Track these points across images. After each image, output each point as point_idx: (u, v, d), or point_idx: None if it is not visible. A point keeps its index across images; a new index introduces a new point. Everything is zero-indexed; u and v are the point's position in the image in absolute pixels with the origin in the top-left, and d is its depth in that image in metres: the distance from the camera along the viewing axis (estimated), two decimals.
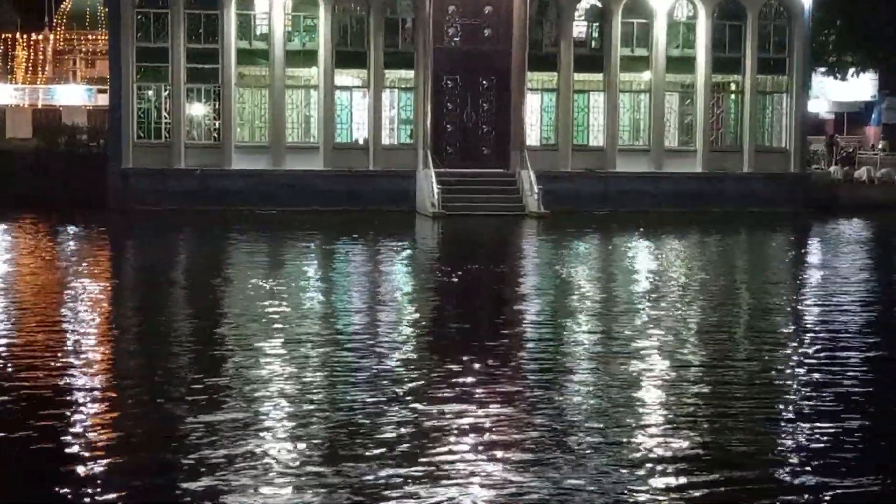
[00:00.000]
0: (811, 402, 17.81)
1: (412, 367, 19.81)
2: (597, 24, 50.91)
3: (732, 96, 51.99)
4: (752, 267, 35.31)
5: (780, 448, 15.70)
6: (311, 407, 17.11)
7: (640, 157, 50.69)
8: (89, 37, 69.44)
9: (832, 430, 16.28)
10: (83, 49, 69.50)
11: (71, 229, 41.38)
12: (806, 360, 20.70)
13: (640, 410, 17.40)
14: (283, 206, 46.83)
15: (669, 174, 50.24)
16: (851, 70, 66.18)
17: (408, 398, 17.59)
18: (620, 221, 45.21)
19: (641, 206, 48.66)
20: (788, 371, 20.04)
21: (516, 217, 46.27)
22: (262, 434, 15.67)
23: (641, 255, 36.56)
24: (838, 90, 66.35)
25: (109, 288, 28.64)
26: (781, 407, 17.61)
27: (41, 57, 69.85)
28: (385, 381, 18.58)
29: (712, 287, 29.33)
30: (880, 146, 60.31)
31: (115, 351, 21.40)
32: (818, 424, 16.57)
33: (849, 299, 27.25)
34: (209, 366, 19.52)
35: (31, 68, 69.80)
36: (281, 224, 42.76)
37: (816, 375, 19.51)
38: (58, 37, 71.15)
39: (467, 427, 16.10)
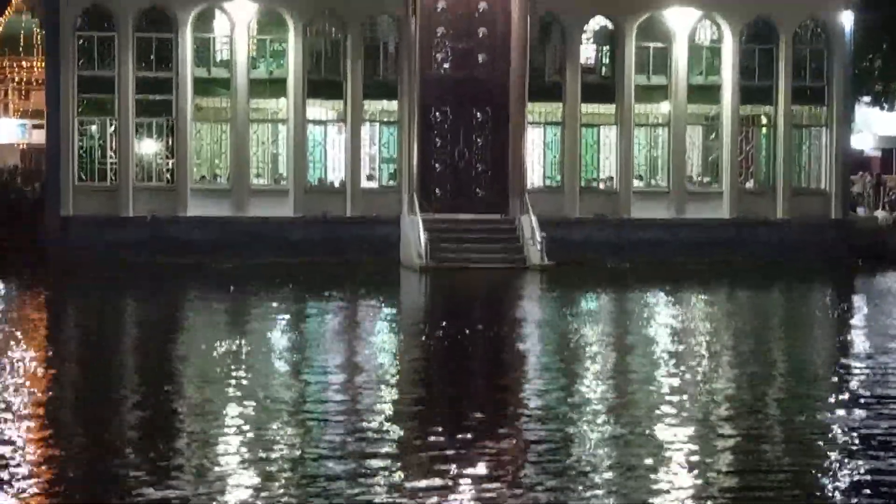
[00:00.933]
0: None
1: (386, 448, 19.07)
2: (607, 47, 50.89)
3: (763, 130, 51.81)
4: (790, 329, 34.40)
5: None
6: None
7: (658, 201, 50.52)
8: (23, 64, 68.28)
9: None
10: (16, 78, 68.48)
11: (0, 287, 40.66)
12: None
13: None
14: (247, 258, 46.55)
15: (692, 220, 50.04)
16: None
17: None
18: (636, 275, 45.17)
19: (660, 256, 48.32)
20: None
21: (516, 270, 45.99)
22: None
23: (661, 315, 35.92)
24: (885, 123, 65.49)
25: (42, 357, 27.76)
26: None
27: None
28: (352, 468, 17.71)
29: (744, 356, 28.29)
30: None
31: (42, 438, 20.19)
32: None
33: None
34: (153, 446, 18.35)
35: None
36: (244, 279, 42.50)
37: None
38: None
39: None
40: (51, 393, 23.76)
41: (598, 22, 50.57)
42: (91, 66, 48.16)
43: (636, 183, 50.65)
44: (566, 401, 23.12)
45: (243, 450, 19.20)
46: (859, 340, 31.83)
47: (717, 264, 47.56)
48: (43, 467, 18.34)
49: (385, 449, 19.48)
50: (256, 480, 17.50)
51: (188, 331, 32.92)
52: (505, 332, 32.55)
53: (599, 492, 17.19)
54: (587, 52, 50.70)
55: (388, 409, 22.83)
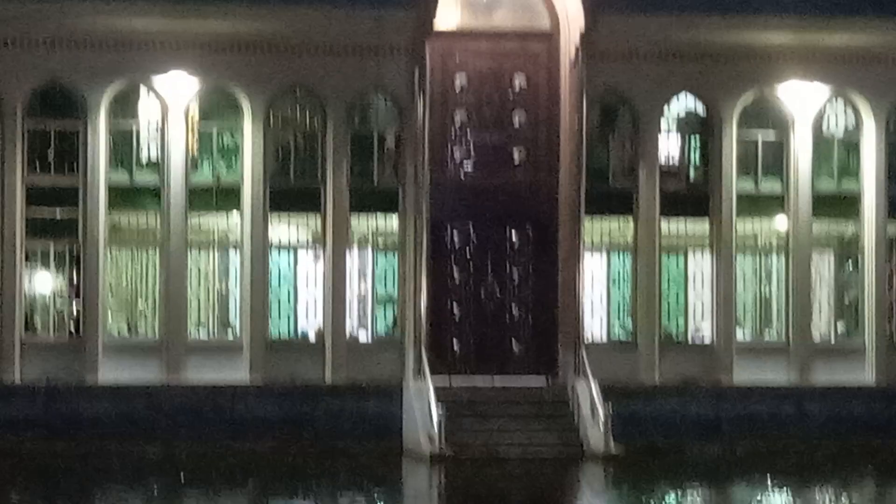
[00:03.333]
0: None
1: None
2: (698, 139, 50.63)
3: None
4: None
5: None
6: None
7: (773, 360, 50.07)
8: None
9: None
10: None
11: None
12: None
13: None
14: (183, 442, 46.24)
15: (822, 387, 49.60)
16: None
17: None
18: (743, 465, 45.09)
19: (778, 438, 47.95)
20: None
21: (570, 460, 45.36)
22: None
23: None
24: None
25: None
26: None
27: None
28: None
29: None
30: None
31: None
32: None
33: None
34: None
35: None
36: (177, 472, 42.37)
37: None
38: None
39: None
40: None
41: (684, 104, 50.88)
42: None
43: (740, 334, 50.23)
44: None
45: None
46: None
47: (860, 450, 47.45)
48: None
49: None
50: None
51: None
52: None
53: None
54: (669, 146, 50.63)
55: None
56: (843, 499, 39.18)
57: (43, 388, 47.01)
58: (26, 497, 38.87)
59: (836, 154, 50.84)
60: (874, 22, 49.99)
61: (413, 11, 48.19)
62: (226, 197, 48.94)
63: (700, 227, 50.16)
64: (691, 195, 50.35)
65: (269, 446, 46.21)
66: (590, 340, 48.55)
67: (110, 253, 48.65)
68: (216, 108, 49.07)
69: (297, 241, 49.55)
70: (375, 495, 39.43)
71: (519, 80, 49.56)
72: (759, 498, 39.11)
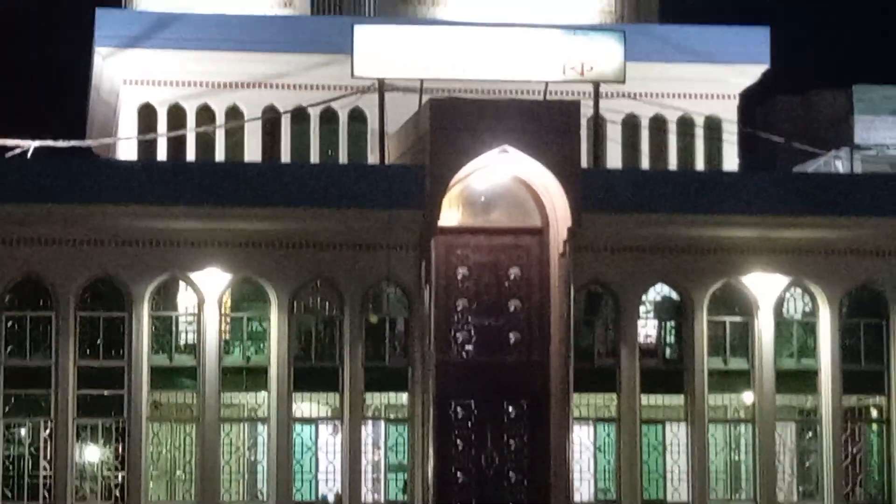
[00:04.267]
0: None
1: None
2: (673, 323, 52.09)
3: (874, 427, 52.38)
4: None
5: None
6: None
7: None
8: None
9: None
10: None
11: None
12: None
13: None
14: None
15: None
16: None
17: None
18: None
19: None
20: None
21: None
22: None
23: None
24: None
25: None
26: None
27: None
28: None
29: None
30: None
31: None
32: None
33: None
34: None
35: None
36: None
37: None
38: None
39: None
40: None
41: (660, 292, 51.93)
42: (21, 355, 49.41)
43: (713, 495, 51.08)
44: None
45: None
46: None
47: None
48: None
49: None
50: None
51: None
52: None
53: None
54: (647, 329, 51.79)
55: None
56: None
57: None
58: None
59: (796, 335, 51.91)
60: (827, 220, 51.06)
61: (420, 212, 49.03)
62: (255, 377, 49.75)
63: (676, 400, 51.06)
64: (668, 372, 51.18)
65: None
66: (579, 501, 49.38)
67: (152, 427, 49.23)
68: (246, 298, 50.16)
69: (318, 415, 50.23)
70: None
71: (514, 271, 50.70)
72: None
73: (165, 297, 50.22)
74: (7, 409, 49.07)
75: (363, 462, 50.06)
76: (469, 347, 51.11)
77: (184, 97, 57.07)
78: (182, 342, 50.38)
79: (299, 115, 56.35)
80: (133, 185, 49.36)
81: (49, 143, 52.19)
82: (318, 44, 55.81)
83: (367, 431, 50.45)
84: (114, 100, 58.43)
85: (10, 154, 50.84)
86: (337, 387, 50.18)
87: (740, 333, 51.81)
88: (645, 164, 57.92)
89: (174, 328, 50.37)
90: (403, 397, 50.49)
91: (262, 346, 50.29)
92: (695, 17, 61.23)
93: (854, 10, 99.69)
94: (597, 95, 54.01)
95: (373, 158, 54.37)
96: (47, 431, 49.06)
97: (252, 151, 56.51)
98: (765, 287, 51.59)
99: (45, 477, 48.91)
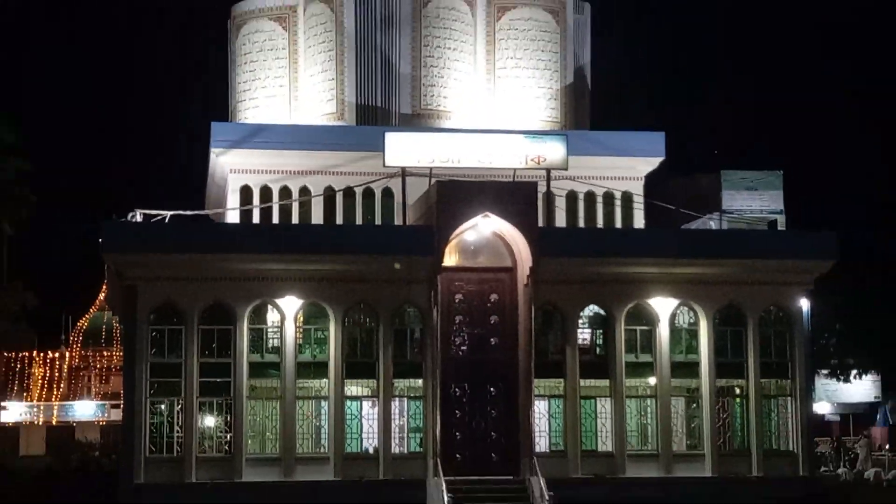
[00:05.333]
0: None
1: None
2: (601, 331, 51.28)
3: (738, 400, 52.01)
4: None
5: None
6: None
7: (649, 462, 50.34)
8: (104, 353, 70.04)
9: None
10: (98, 365, 69.90)
11: None
12: None
13: None
14: None
15: (679, 478, 49.83)
16: (854, 372, 66.48)
17: None
18: None
19: None
20: None
21: None
22: None
23: None
24: (842, 392, 66.44)
25: None
26: None
27: (56, 374, 70.22)
28: None
29: None
30: (887, 447, 59.91)
31: None
32: None
33: None
34: None
35: (46, 385, 70.05)
36: None
37: None
38: (73, 354, 71.73)
39: None
40: None
41: (592, 309, 51.25)
42: (161, 355, 49.02)
43: (629, 447, 50.64)
44: None
45: None
46: None
47: None
48: None
49: None
50: None
51: None
52: None
53: None
54: (584, 334, 51.05)
55: None
56: None
57: (209, 486, 47.64)
58: None
59: (684, 338, 51.44)
60: (705, 261, 50.90)
61: (430, 257, 48.86)
62: (319, 369, 49.38)
63: (603, 383, 50.51)
64: (598, 363, 50.61)
65: None
66: (538, 452, 48.81)
67: (249, 403, 49.01)
68: (313, 315, 49.62)
69: (362, 394, 49.84)
70: None
71: (493, 297, 50.22)
72: None
73: (259, 315, 49.85)
74: (153, 391, 48.88)
75: (393, 426, 49.70)
76: (464, 348, 50.56)
77: (271, 181, 56.96)
78: (270, 345, 49.88)
79: (348, 193, 56.17)
80: (237, 240, 49.44)
81: (180, 212, 52.23)
82: (361, 145, 55.62)
83: (395, 405, 49.89)
84: (223, 183, 58.41)
85: (153, 220, 50.73)
86: (375, 375, 49.72)
87: (647, 337, 51.32)
88: (581, 224, 57.61)
89: (265, 336, 49.91)
90: (419, 382, 49.96)
91: (323, 348, 49.84)
92: (614, 123, 61.65)
93: (724, 117, 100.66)
94: (548, 178, 53.78)
95: (398, 221, 54.15)
96: (179, 406, 48.85)
97: (316, 217, 56.35)
98: (663, 306, 51.33)
99: (178, 437, 48.68)
